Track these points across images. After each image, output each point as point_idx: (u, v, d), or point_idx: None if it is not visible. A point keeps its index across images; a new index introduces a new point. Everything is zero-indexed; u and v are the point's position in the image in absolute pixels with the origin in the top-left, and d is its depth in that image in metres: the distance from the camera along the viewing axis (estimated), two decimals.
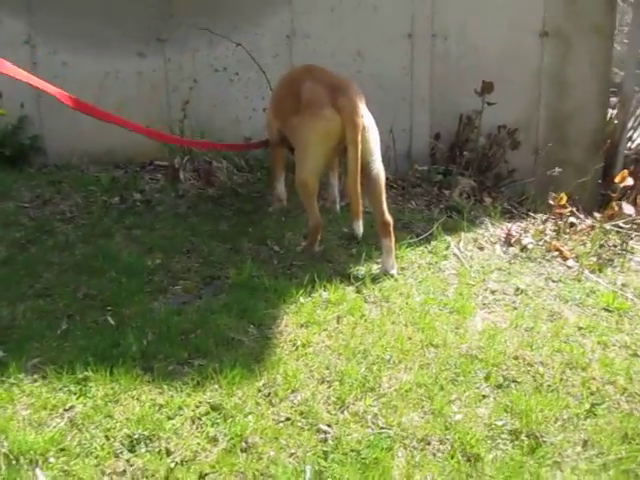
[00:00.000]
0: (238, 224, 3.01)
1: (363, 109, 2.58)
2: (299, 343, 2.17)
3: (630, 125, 4.68)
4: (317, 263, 2.73)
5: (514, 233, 3.33)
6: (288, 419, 1.83)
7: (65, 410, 1.79)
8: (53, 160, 3.71)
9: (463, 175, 3.96)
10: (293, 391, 1.95)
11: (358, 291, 2.58)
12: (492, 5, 4.13)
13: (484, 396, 2.02)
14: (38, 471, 1.56)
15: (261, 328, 2.24)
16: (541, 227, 3.49)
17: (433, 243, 3.06)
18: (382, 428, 1.83)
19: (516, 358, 2.21)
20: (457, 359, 2.17)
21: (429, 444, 1.79)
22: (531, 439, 1.83)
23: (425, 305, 2.51)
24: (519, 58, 4.24)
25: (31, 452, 1.61)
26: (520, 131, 4.25)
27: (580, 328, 2.47)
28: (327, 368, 2.06)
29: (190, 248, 2.77)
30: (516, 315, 2.51)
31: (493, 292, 2.71)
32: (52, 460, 1.61)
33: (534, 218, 3.71)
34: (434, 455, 1.75)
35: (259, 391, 1.93)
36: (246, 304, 2.33)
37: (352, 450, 1.72)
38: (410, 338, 2.27)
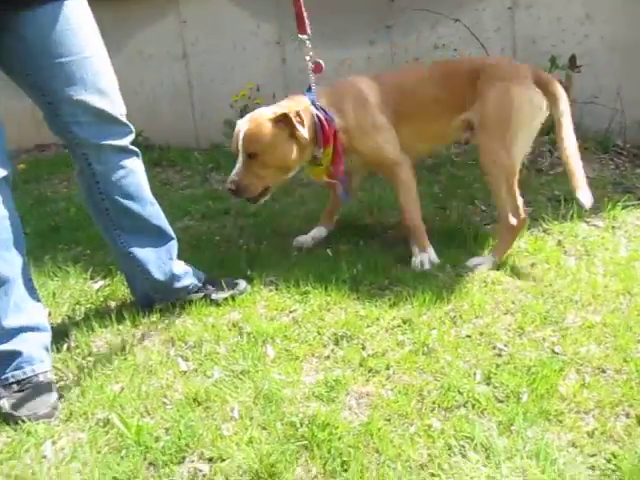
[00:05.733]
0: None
1: None
2: (489, 281, 2.37)
3: None
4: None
5: None
6: (468, 336, 2.06)
7: (290, 312, 2.29)
8: None
9: None
10: (477, 317, 2.16)
11: (559, 244, 2.65)
12: None
13: None
14: (269, 347, 2.08)
15: (456, 268, 2.49)
16: None
17: None
18: (556, 353, 1.94)
19: None
20: None
21: (604, 372, 1.85)
22: None
23: (631, 260, 2.47)
24: None
25: (264, 335, 2.13)
26: None
27: None
28: (513, 302, 2.23)
29: None
30: None
31: None
32: (278, 342, 2.11)
33: None
34: (607, 381, 1.82)
35: (446, 313, 2.19)
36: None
37: (524, 366, 1.88)
38: (606, 286, 2.29)
